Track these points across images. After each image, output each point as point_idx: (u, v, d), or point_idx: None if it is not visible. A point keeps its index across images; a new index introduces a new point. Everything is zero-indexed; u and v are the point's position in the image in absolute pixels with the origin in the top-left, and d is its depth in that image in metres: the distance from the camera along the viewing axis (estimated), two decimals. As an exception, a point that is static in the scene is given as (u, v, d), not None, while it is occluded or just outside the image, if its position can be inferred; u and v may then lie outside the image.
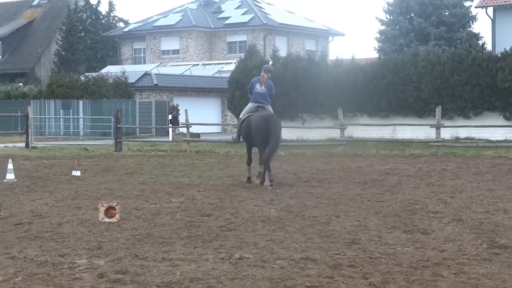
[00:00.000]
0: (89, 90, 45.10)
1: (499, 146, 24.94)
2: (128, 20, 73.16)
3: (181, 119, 38.01)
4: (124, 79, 46.54)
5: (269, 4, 66.31)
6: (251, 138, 14.76)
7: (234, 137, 15.94)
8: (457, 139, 28.92)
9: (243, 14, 61.74)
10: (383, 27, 52.38)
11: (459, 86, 30.64)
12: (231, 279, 6.65)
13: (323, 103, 32.52)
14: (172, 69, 55.42)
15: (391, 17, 52.06)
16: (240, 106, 28.85)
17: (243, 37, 60.63)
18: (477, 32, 51.43)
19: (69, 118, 43.59)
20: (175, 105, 43.20)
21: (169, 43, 62.29)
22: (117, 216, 9.89)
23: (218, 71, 53.78)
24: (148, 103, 46.26)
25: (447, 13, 50.93)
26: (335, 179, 15.82)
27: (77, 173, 16.52)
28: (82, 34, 67.24)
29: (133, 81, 47.75)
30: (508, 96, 29.91)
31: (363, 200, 12.14)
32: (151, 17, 66.64)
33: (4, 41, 68.06)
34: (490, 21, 41.23)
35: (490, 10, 41.11)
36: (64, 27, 65.58)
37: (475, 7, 44.43)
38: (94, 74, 48.76)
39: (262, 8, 63.13)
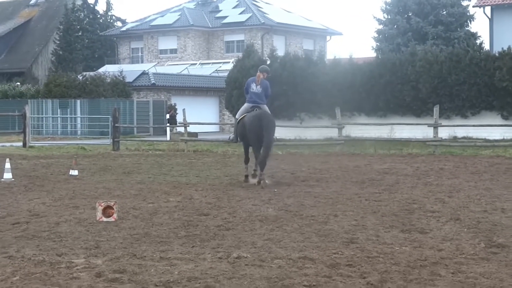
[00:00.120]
0: (87, 90, 45.06)
1: (496, 146, 24.94)
2: (125, 19, 73.22)
3: (179, 118, 37.98)
4: (121, 79, 46.52)
5: (266, 3, 66.32)
6: (247, 137, 14.82)
7: (231, 138, 15.98)
8: (454, 139, 28.96)
9: (240, 13, 61.74)
10: (380, 27, 52.41)
11: (456, 86, 30.67)
12: (229, 278, 6.65)
13: (321, 102, 32.53)
14: (170, 68, 55.40)
15: (389, 17, 52.10)
16: (238, 106, 28.83)
17: (240, 37, 60.63)
18: (474, 32, 51.49)
19: (67, 117, 43.56)
20: (173, 105, 43.20)
21: (167, 43, 62.28)
22: (115, 215, 9.88)
23: (216, 70, 53.77)
24: (146, 103, 46.23)
25: (444, 12, 50.97)
26: (333, 178, 15.83)
27: (74, 172, 16.51)
28: (80, 34, 67.23)
29: (131, 80, 47.72)
30: (505, 95, 29.94)
31: (361, 199, 12.15)
32: (149, 16, 66.64)
33: (2, 40, 67.98)
34: (488, 20, 41.26)
35: (488, 9, 41.15)
36: (61, 26, 65.55)
37: (473, 7, 44.48)
38: (91, 73, 48.71)
39: (259, 7, 63.13)
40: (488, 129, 28.40)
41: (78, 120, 43.62)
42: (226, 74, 39.61)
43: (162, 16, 64.25)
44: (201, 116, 41.81)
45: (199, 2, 65.91)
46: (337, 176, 16.25)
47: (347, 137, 28.10)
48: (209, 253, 7.74)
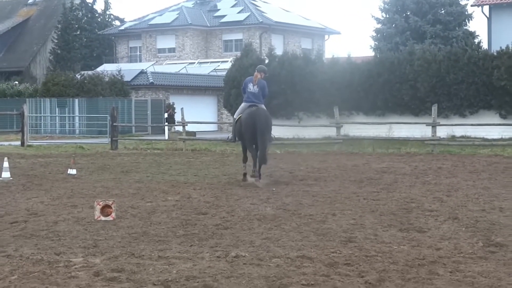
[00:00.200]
0: (85, 89, 45.03)
1: (494, 145, 24.96)
2: (123, 18, 73.22)
3: (177, 117, 37.95)
4: (120, 78, 46.49)
5: (265, 2, 66.32)
6: (244, 136, 14.89)
7: (229, 138, 16.00)
8: (453, 138, 28.98)
9: (239, 12, 61.73)
10: (379, 26, 52.39)
11: (455, 85, 30.67)
12: (227, 277, 6.65)
13: (319, 101, 32.52)
14: (168, 67, 55.38)
15: (387, 16, 52.08)
16: (236, 105, 28.81)
17: (239, 36, 60.62)
18: (473, 31, 51.48)
19: (65, 116, 43.53)
20: (171, 104, 43.17)
21: (165, 42, 62.25)
22: (113, 214, 9.88)
23: (214, 69, 53.75)
24: (144, 102, 46.21)
25: (443, 11, 50.95)
26: (331, 177, 15.83)
27: (73, 171, 16.51)
28: (78, 33, 67.17)
29: (129, 79, 47.68)
30: (504, 94, 29.94)
31: (359, 198, 12.15)
32: (147, 15, 66.62)
33: (0, 39, 67.93)
34: (486, 19, 41.26)
35: (486, 8, 41.16)
36: (59, 25, 65.48)
37: (471, 6, 44.44)
38: (89, 72, 48.67)
39: (258, 6, 63.13)
40: (486, 128, 28.40)
41: (76, 119, 43.60)
42: (224, 73, 39.58)
43: (161, 15, 64.23)
44: (199, 115, 41.82)
45: (198, 1, 65.89)
46: (335, 175, 16.26)
47: (345, 136, 28.11)
48: (207, 252, 7.74)
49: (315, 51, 45.18)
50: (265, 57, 36.69)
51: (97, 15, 71.03)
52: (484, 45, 38.25)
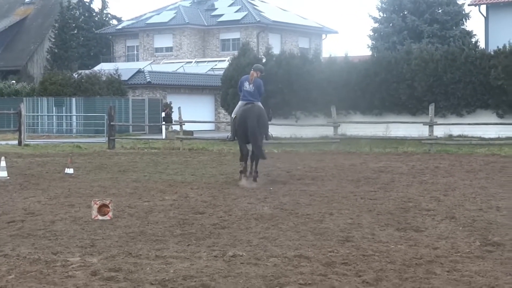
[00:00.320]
0: (82, 88, 44.98)
1: (492, 144, 24.97)
2: (121, 17, 73.12)
3: (174, 116, 37.96)
4: (117, 77, 46.43)
5: (262, 1, 66.28)
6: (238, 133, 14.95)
7: (228, 137, 15.99)
8: (450, 137, 28.99)
9: (236, 11, 61.70)
10: (376, 25, 52.43)
11: (452, 84, 30.70)
12: (224, 276, 6.65)
13: (316, 100, 32.54)
14: (165, 66, 55.34)
15: (384, 15, 52.13)
16: (234, 104, 28.77)
17: (236, 35, 60.58)
18: (470, 30, 51.58)
19: (62, 115, 43.46)
20: (168, 103, 43.14)
21: (162, 41, 62.19)
22: (110, 214, 9.88)
23: (211, 68, 53.72)
24: (141, 101, 46.18)
25: (440, 11, 51.01)
26: (329, 177, 15.83)
27: (70, 170, 16.50)
28: (75, 32, 67.07)
29: (126, 78, 47.63)
30: (501, 93, 29.97)
31: (356, 198, 12.16)
32: (144, 14, 66.53)
33: (-3, 38, 67.95)
34: (483, 19, 41.29)
35: (483, 8, 41.17)
36: (57, 25, 65.42)
37: (468, 5, 44.51)
38: (87, 71, 48.60)
39: (255, 5, 63.11)
40: (483, 127, 28.41)
41: (74, 118, 43.54)
42: (221, 72, 39.56)
43: (158, 14, 64.16)
44: (196, 115, 41.80)
45: (195, 0, 65.81)
46: (332, 175, 16.26)
47: (343, 135, 28.11)
48: (205, 251, 7.74)
49: (312, 50, 45.27)
50: (263, 56, 36.68)
51: (94, 14, 70.94)
52: (481, 45, 38.22)
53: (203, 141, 29.98)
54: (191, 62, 57.41)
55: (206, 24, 61.92)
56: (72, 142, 31.00)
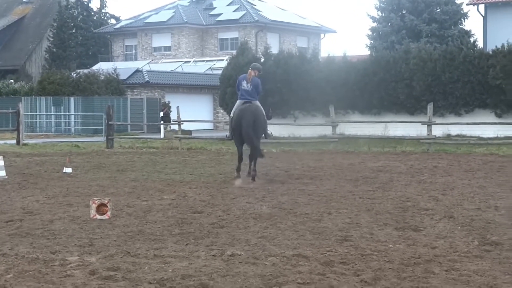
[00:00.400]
0: (81, 87, 44.97)
1: (490, 143, 24.99)
2: (119, 16, 73.08)
3: (173, 116, 37.93)
4: (115, 76, 46.43)
5: (260, 1, 66.27)
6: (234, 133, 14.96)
7: (227, 136, 15.99)
8: (448, 136, 29.01)
9: (234, 11, 61.68)
10: (374, 24, 52.44)
11: (450, 83, 30.72)
12: (223, 276, 6.65)
13: (314, 100, 32.54)
14: (164, 66, 55.32)
15: (383, 14, 52.14)
16: (232, 103, 28.76)
17: (234, 34, 60.56)
18: (468, 30, 51.59)
19: (61, 115, 43.46)
20: (167, 102, 43.14)
21: (161, 40, 62.16)
22: (109, 213, 9.87)
23: (210, 68, 53.71)
24: (140, 100, 46.16)
25: (438, 10, 51.02)
26: (327, 176, 15.84)
27: (68, 170, 16.49)
28: (74, 31, 67.03)
29: (125, 78, 47.62)
30: (499, 93, 29.99)
31: (355, 197, 12.16)
32: (143, 13, 66.50)
33: (-5, 38, 67.91)
34: (482, 18, 41.32)
35: (482, 7, 41.22)
36: (55, 24, 65.39)
37: (467, 4, 44.58)
38: (85, 71, 48.60)
39: (253, 5, 63.09)
40: (481, 127, 28.42)
41: (72, 117, 43.53)
42: (220, 71, 39.56)
43: (156, 13, 64.12)
44: (195, 114, 41.81)
45: (193, 0, 65.82)
46: (331, 174, 16.27)
47: (341, 135, 28.11)
48: (203, 250, 7.74)
49: (310, 49, 45.26)
50: (261, 55, 36.69)
51: (92, 13, 70.92)
52: (480, 44, 38.26)
53: (202, 140, 29.98)
54: (190, 61, 57.39)
55: (204, 24, 61.90)
56: (71, 142, 30.97)
